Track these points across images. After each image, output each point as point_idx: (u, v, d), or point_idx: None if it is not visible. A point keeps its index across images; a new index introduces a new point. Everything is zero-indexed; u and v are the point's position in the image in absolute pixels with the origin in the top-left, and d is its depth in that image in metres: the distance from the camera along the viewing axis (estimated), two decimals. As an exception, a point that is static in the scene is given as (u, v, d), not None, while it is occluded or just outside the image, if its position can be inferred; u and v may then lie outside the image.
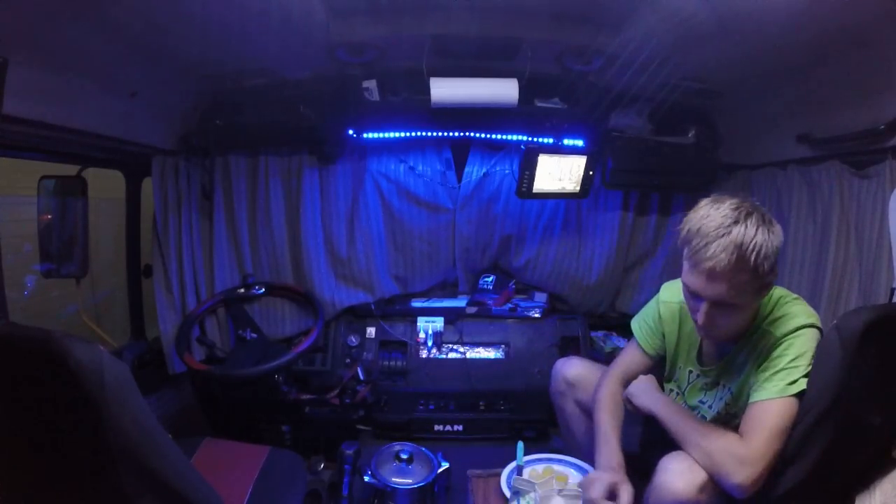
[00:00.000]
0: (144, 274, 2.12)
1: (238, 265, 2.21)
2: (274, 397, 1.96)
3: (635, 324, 1.47)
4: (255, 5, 1.31)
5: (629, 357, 1.46)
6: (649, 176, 2.16)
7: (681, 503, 1.11)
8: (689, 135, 2.14)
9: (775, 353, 1.14)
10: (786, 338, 1.14)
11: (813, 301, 1.59)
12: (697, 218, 1.09)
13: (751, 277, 1.06)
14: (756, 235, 1.04)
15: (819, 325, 1.16)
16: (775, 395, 1.11)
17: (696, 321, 1.18)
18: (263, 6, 1.31)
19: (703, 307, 1.12)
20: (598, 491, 1.18)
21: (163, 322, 2.07)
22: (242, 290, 2.16)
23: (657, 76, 1.64)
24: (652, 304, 1.45)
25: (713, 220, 1.06)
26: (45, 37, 1.20)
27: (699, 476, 1.12)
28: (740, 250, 1.03)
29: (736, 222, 1.05)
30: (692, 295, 1.14)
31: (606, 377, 1.44)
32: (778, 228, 1.09)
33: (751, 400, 1.15)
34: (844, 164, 1.54)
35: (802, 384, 1.10)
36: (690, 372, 1.37)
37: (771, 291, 1.19)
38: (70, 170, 1.81)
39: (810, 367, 1.11)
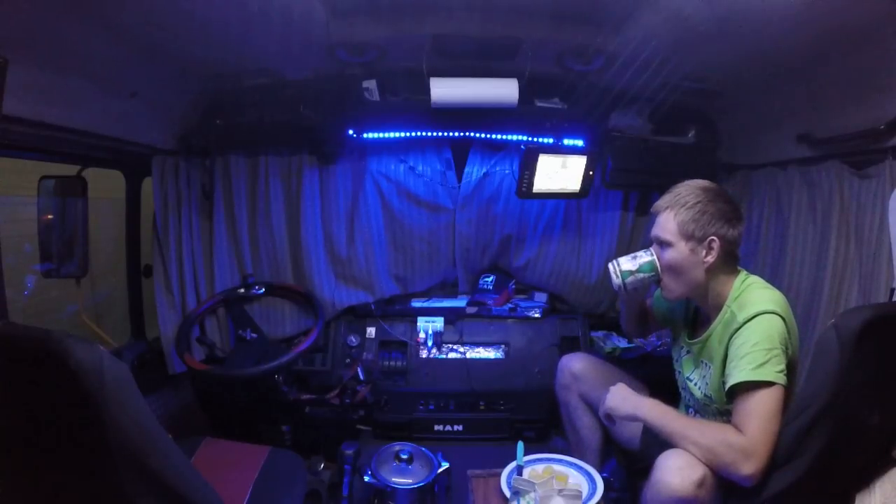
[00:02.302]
0: (144, 274, 2.12)
1: (238, 265, 2.21)
2: (274, 397, 1.95)
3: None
4: (255, 5, 1.30)
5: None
6: (649, 176, 2.15)
7: (678, 500, 1.13)
8: (689, 135, 2.14)
9: (737, 342, 1.21)
10: (744, 325, 1.21)
11: (813, 301, 1.60)
12: None
13: (672, 219, 1.31)
14: (687, 193, 1.31)
15: (779, 311, 1.21)
16: (743, 378, 1.16)
17: None
18: (263, 6, 1.31)
19: (654, 248, 1.37)
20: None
21: (163, 322, 2.07)
22: (242, 290, 2.16)
23: (657, 76, 1.64)
24: None
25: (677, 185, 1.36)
26: (45, 37, 1.20)
27: (696, 472, 1.13)
28: (671, 198, 1.33)
29: (683, 185, 1.34)
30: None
31: None
32: (722, 203, 1.29)
33: (727, 389, 1.21)
34: (844, 164, 1.54)
35: (772, 369, 1.14)
36: (682, 347, 1.46)
37: (744, 277, 1.32)
38: (70, 170, 1.81)
39: (777, 351, 1.16)
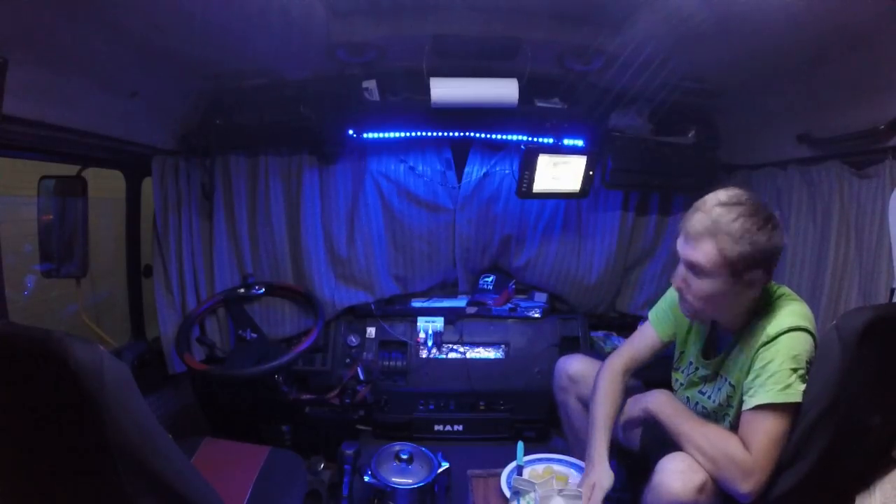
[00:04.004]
0: (144, 274, 2.12)
1: (238, 265, 2.21)
2: (274, 397, 1.95)
3: (652, 309, 1.50)
4: (255, 5, 1.31)
5: (639, 337, 1.50)
6: (649, 176, 2.16)
7: None
8: (689, 135, 2.14)
9: (765, 357, 1.14)
10: (773, 341, 1.14)
11: (813, 301, 1.59)
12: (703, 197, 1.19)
13: (717, 252, 1.12)
14: (732, 219, 1.11)
15: (810, 328, 1.15)
16: (768, 400, 1.11)
17: (674, 287, 1.25)
18: (263, 6, 1.31)
19: (681, 269, 1.21)
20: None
21: (163, 322, 2.07)
22: (242, 290, 2.16)
23: (657, 76, 1.64)
24: (669, 292, 1.45)
25: (708, 198, 1.17)
26: (45, 37, 1.20)
27: (698, 477, 1.13)
28: (713, 224, 1.12)
29: (722, 204, 1.13)
30: (681, 261, 1.22)
31: (609, 363, 1.47)
32: (770, 231, 1.12)
33: (745, 406, 1.16)
34: (844, 164, 1.54)
35: (796, 389, 1.10)
36: (691, 363, 1.39)
37: (774, 288, 1.23)
38: (70, 170, 1.81)
39: (803, 371, 1.11)
